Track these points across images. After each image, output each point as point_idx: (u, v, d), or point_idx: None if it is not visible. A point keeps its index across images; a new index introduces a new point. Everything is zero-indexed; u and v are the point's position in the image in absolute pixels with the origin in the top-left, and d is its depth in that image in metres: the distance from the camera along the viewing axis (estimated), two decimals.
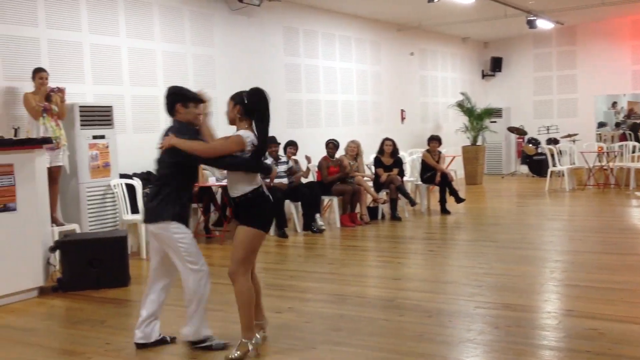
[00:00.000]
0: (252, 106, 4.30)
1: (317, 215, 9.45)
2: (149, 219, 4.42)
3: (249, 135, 4.27)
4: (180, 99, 4.44)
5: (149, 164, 9.12)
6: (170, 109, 4.46)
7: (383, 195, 10.25)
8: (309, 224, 9.40)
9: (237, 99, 4.34)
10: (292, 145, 9.82)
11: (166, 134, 4.39)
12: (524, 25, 14.13)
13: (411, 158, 12.30)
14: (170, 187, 4.35)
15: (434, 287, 6.14)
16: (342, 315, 5.20)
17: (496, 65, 18.27)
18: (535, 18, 13.90)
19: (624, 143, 14.69)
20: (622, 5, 13.88)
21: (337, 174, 9.94)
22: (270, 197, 4.43)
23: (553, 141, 16.05)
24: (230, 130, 4.48)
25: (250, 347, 4.25)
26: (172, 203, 4.33)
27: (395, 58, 14.97)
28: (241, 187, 4.28)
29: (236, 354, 4.19)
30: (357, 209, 10.07)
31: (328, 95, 12.70)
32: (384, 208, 10.48)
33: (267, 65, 11.29)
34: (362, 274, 7.00)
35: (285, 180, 9.41)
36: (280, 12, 11.47)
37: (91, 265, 6.32)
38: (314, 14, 12.45)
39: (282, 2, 10.86)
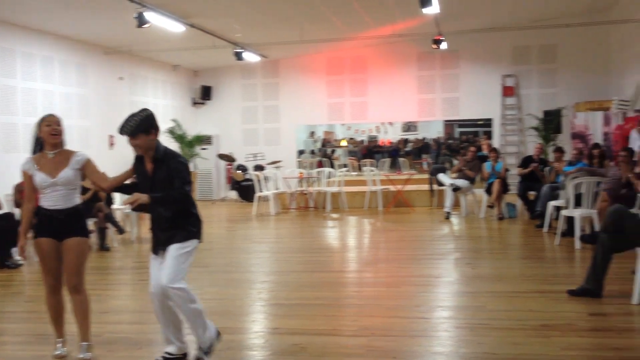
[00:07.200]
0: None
1: (14, 250, 8.62)
2: None
3: None
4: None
5: None
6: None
7: (90, 224, 9.75)
8: (3, 260, 8.54)
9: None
10: None
11: None
12: (232, 57, 14.71)
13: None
14: None
15: (144, 318, 5.98)
16: (43, 357, 4.80)
17: (206, 93, 18.73)
18: (242, 50, 14.57)
19: (321, 169, 16.07)
20: (318, 43, 15.27)
21: None
22: None
23: (259, 167, 16.91)
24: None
25: None
26: None
27: (103, 82, 14.48)
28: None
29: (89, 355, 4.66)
30: None
31: (28, 119, 11.75)
32: (92, 238, 9.97)
33: None
34: (66, 310, 6.53)
35: None
36: None
37: None
38: (11, 31, 11.47)
39: None
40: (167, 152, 4.50)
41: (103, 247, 9.80)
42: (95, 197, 9.71)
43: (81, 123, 13.55)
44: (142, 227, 11.24)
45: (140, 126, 4.37)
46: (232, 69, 18.38)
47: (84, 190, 9.08)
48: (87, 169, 4.80)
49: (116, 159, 14.28)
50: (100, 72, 14.38)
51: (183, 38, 13.05)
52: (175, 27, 11.81)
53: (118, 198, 11.40)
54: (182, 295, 4.33)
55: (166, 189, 4.38)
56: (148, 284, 7.66)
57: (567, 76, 16.49)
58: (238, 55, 14.61)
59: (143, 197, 4.28)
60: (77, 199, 4.80)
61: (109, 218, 9.98)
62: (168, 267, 4.33)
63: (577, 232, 8.64)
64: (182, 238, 4.41)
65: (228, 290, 7.03)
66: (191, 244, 4.46)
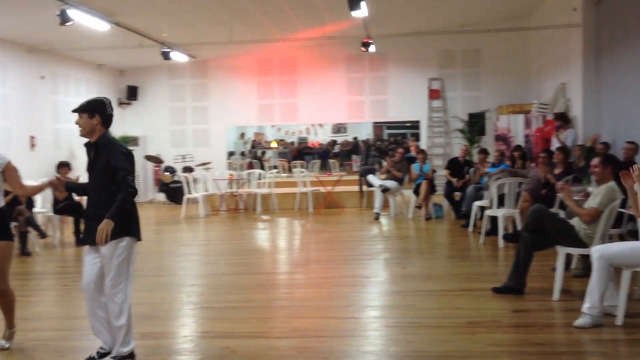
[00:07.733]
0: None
1: None
2: None
3: None
4: None
5: None
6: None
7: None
8: None
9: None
10: None
11: None
12: (159, 56, 14.44)
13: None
14: None
15: (68, 325, 5.80)
16: None
17: (132, 93, 18.32)
18: (169, 50, 14.33)
19: (251, 171, 15.99)
20: (247, 44, 15.19)
21: None
22: None
23: (188, 169, 16.67)
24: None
25: None
26: None
27: (24, 81, 13.95)
28: None
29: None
30: None
31: None
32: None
33: None
34: None
35: None
36: None
37: None
38: None
39: None
40: (112, 141, 4.46)
41: (24, 252, 9.44)
42: (16, 201, 9.34)
43: (1, 124, 13.00)
44: (65, 231, 10.89)
45: (87, 106, 4.42)
46: (159, 68, 18.04)
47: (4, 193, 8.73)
48: (6, 172, 4.67)
49: (37, 160, 13.81)
50: (20, 70, 13.84)
51: (108, 36, 12.72)
52: (99, 25, 11.49)
53: (40, 201, 11.01)
54: (119, 311, 4.43)
55: (104, 176, 4.36)
56: (75, 284, 7.48)
57: (490, 80, 17.00)
58: (165, 55, 14.37)
59: (107, 227, 4.23)
60: (2, 201, 4.67)
61: (30, 222, 9.61)
62: (110, 273, 4.40)
63: (501, 231, 8.91)
64: (117, 233, 4.33)
65: (156, 294, 6.89)
66: (127, 243, 4.43)
